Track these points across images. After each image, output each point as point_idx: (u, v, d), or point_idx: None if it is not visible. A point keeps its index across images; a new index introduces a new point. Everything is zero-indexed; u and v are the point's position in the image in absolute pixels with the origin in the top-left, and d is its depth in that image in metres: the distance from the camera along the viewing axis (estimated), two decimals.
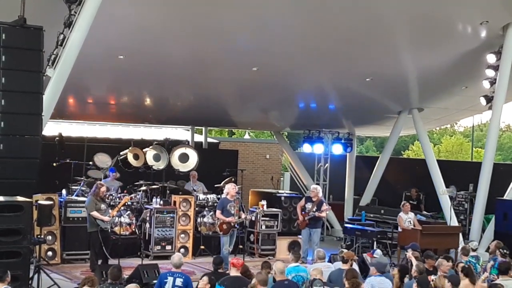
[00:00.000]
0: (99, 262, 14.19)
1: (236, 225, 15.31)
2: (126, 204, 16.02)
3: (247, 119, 24.33)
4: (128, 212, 16.54)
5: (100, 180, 16.68)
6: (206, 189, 18.83)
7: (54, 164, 18.11)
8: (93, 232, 14.29)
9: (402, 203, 17.84)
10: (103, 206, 14.41)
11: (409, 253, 12.69)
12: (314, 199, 16.88)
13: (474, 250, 13.60)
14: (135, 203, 16.98)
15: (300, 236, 17.39)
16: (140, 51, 15.41)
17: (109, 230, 14.68)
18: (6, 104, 11.57)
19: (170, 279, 10.02)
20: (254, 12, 14.49)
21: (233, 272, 10.23)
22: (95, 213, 14.14)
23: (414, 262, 11.76)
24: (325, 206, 16.93)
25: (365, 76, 18.03)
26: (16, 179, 11.69)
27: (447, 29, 16.21)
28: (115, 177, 17.73)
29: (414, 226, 16.85)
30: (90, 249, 14.59)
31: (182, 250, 16.54)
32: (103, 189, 14.66)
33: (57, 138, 18.68)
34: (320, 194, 17.26)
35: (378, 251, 12.86)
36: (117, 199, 16.33)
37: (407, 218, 17.01)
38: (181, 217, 16.75)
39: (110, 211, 14.57)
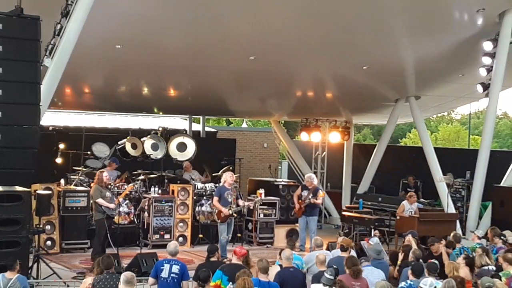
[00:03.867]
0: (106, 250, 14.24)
1: (233, 214, 15.35)
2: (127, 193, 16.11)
3: (244, 108, 24.37)
4: (127, 201, 16.61)
5: (99, 169, 16.72)
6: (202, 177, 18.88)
7: (59, 161, 18.11)
8: (99, 220, 14.34)
9: (409, 193, 17.84)
10: (108, 194, 14.49)
11: (409, 237, 12.80)
12: (309, 187, 16.96)
13: (480, 238, 13.68)
14: (133, 192, 17.03)
15: (298, 224, 17.46)
16: (137, 41, 15.42)
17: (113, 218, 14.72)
18: (3, 94, 11.61)
19: (166, 266, 10.07)
20: (251, 1, 14.49)
21: (234, 260, 10.28)
22: (100, 200, 14.20)
23: (414, 247, 11.85)
24: (320, 193, 17.00)
25: (362, 64, 18.05)
26: (14, 169, 11.75)
27: (443, 17, 16.22)
28: (115, 167, 17.75)
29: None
30: (95, 238, 14.62)
31: (180, 239, 16.62)
32: (105, 174, 14.76)
33: (54, 131, 18.67)
34: (315, 182, 17.30)
35: (375, 238, 12.94)
36: (116, 188, 16.38)
37: (409, 209, 17.09)
38: (179, 206, 16.81)
39: (115, 198, 14.64)
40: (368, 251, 11.67)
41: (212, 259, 10.85)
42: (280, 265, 10.46)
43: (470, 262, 11.00)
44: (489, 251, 12.05)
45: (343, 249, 11.58)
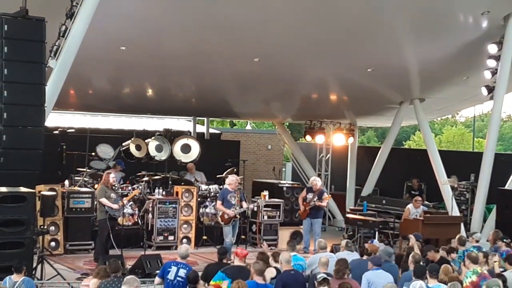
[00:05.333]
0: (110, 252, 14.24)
1: (237, 215, 15.35)
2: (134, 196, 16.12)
3: (248, 109, 24.36)
4: (131, 202, 16.60)
5: (103, 171, 16.76)
6: (208, 179, 18.86)
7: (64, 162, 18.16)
8: (101, 220, 14.34)
9: (415, 198, 17.88)
10: (113, 195, 14.50)
11: (412, 239, 12.81)
12: (315, 190, 16.96)
13: (477, 241, 13.67)
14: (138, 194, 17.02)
15: (302, 226, 17.45)
16: (142, 42, 15.44)
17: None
18: (8, 95, 11.63)
19: (173, 269, 10.08)
20: (255, 3, 14.50)
21: (237, 262, 10.29)
22: (103, 200, 14.22)
23: (416, 250, 11.84)
24: (325, 195, 17.01)
25: (367, 66, 18.05)
26: (19, 170, 11.77)
27: (448, 19, 16.22)
28: (119, 169, 17.75)
29: None
30: (97, 238, 14.63)
31: (184, 240, 16.61)
32: (112, 175, 14.80)
33: (59, 133, 18.66)
34: (320, 185, 17.32)
35: (375, 241, 12.97)
36: (120, 189, 16.39)
37: (414, 212, 17.12)
38: (183, 208, 16.81)
39: (119, 200, 14.65)
40: (380, 253, 11.69)
41: (223, 260, 10.86)
42: (275, 267, 10.42)
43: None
44: (488, 256, 12.05)
45: (368, 253, 11.63)
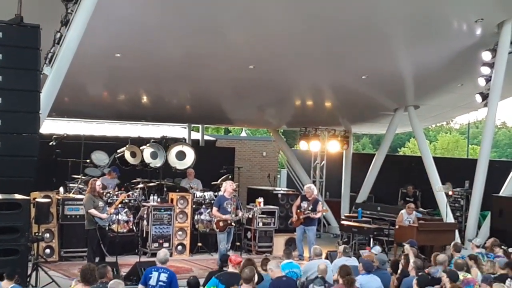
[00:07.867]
0: (97, 259, 14.19)
1: (233, 223, 15.34)
2: (124, 201, 16.06)
3: (243, 116, 24.38)
4: (126, 209, 16.59)
5: (98, 177, 16.71)
6: (203, 186, 18.85)
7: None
8: (91, 230, 14.26)
9: (408, 204, 17.91)
10: (100, 203, 14.35)
11: (407, 246, 12.81)
12: (309, 198, 16.92)
13: (478, 247, 13.68)
14: (132, 201, 17.01)
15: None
16: (137, 50, 15.45)
17: (107, 228, 14.65)
18: (3, 102, 11.63)
19: (154, 274, 10.13)
20: (250, 10, 14.53)
21: (230, 268, 10.30)
22: (93, 211, 14.09)
23: (412, 258, 11.83)
24: (320, 206, 16.95)
25: (361, 73, 18.08)
26: (13, 177, 11.75)
27: (442, 27, 16.27)
28: (114, 176, 17.72)
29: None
30: (88, 247, 14.57)
31: (179, 247, 16.64)
32: (98, 182, 14.56)
33: (53, 142, 18.61)
34: (315, 193, 17.28)
35: (378, 248, 12.94)
36: (115, 196, 16.37)
37: (407, 218, 17.13)
38: (178, 215, 16.81)
39: (107, 208, 14.56)
40: (361, 261, 11.66)
41: (225, 267, 10.88)
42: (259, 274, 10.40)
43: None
44: (478, 259, 12.08)
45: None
